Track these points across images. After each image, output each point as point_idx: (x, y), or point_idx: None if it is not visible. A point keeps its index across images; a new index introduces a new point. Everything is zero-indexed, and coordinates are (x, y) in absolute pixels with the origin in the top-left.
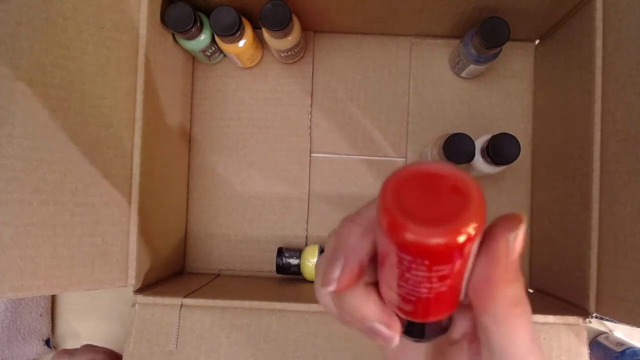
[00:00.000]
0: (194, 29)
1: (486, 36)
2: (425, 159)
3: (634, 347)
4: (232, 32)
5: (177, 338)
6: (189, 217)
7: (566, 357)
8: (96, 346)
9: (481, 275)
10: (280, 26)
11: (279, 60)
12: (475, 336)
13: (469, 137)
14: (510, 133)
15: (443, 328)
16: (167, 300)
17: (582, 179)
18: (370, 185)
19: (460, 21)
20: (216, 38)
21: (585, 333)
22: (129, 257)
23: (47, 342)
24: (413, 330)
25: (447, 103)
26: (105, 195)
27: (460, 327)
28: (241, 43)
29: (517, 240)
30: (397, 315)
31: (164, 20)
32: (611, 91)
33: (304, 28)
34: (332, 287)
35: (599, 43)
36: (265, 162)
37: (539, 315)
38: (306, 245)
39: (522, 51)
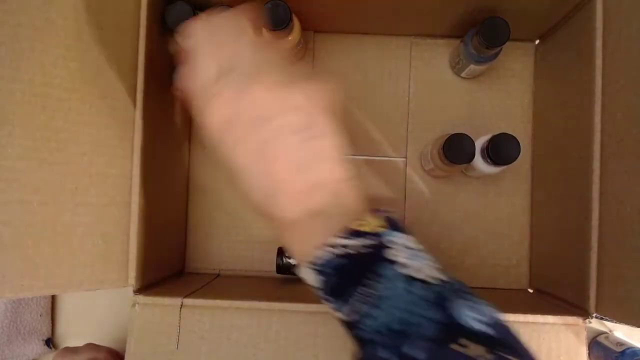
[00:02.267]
0: None
1: (486, 36)
2: (425, 159)
3: (634, 347)
4: None
5: (178, 338)
6: (189, 217)
7: (565, 357)
8: (99, 345)
9: None
10: (280, 26)
11: None
12: None
13: (469, 137)
14: (510, 133)
15: None
16: (168, 301)
17: (582, 179)
18: (370, 185)
19: (460, 21)
20: None
21: (585, 333)
22: (129, 257)
23: (47, 342)
24: None
25: (447, 103)
26: (105, 195)
27: None
28: None
29: None
30: None
31: (164, 20)
32: (611, 91)
33: (304, 28)
34: None
35: (599, 43)
36: None
37: (539, 316)
38: None
39: (522, 51)
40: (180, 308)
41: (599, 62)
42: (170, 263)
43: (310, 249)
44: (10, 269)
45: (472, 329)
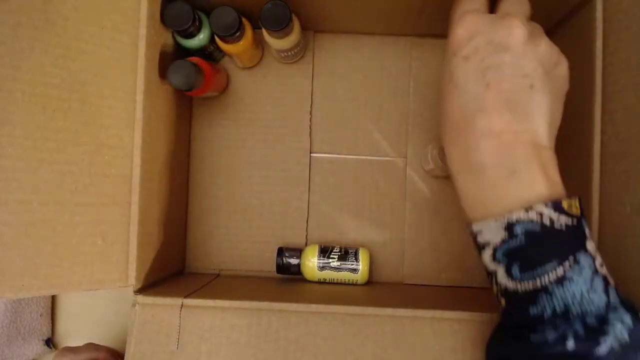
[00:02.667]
0: (192, 28)
1: None
2: (425, 159)
3: None
4: (232, 33)
5: (178, 338)
6: (189, 217)
7: None
8: (98, 345)
9: None
10: (280, 26)
11: (279, 60)
12: None
13: None
14: None
15: None
16: (168, 301)
17: (582, 178)
18: (370, 185)
19: None
20: (216, 38)
21: None
22: (129, 257)
23: (47, 342)
24: None
25: None
26: (105, 195)
27: None
28: (241, 43)
29: None
30: None
31: (163, 19)
32: (611, 92)
33: (304, 28)
34: None
35: (599, 43)
36: (265, 162)
37: None
38: (306, 245)
39: None
40: (181, 308)
41: (599, 62)
42: (170, 263)
43: (505, 205)
44: (10, 269)
45: None
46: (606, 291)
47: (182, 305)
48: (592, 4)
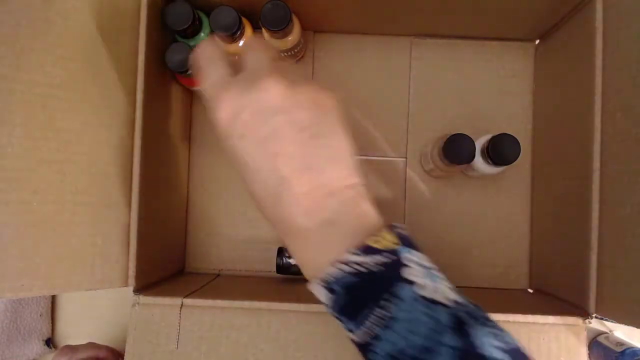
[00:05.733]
0: (192, 27)
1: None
2: (425, 159)
3: (634, 347)
4: (232, 32)
5: (178, 338)
6: (189, 217)
7: (565, 357)
8: (99, 344)
9: None
10: (280, 26)
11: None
12: None
13: (469, 137)
14: (510, 133)
15: None
16: (168, 301)
17: (582, 179)
18: (370, 186)
19: (460, 20)
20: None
21: (585, 333)
22: (129, 257)
23: (47, 342)
24: None
25: (447, 103)
26: (105, 195)
27: None
28: (241, 43)
29: None
30: None
31: (163, 19)
32: (611, 91)
33: (304, 28)
34: None
35: (599, 43)
36: None
37: (539, 316)
38: None
39: (522, 51)
40: (180, 308)
41: (599, 62)
42: (170, 263)
43: (321, 264)
44: (10, 269)
45: (495, 359)
46: (432, 316)
47: (182, 305)
48: (592, 4)
